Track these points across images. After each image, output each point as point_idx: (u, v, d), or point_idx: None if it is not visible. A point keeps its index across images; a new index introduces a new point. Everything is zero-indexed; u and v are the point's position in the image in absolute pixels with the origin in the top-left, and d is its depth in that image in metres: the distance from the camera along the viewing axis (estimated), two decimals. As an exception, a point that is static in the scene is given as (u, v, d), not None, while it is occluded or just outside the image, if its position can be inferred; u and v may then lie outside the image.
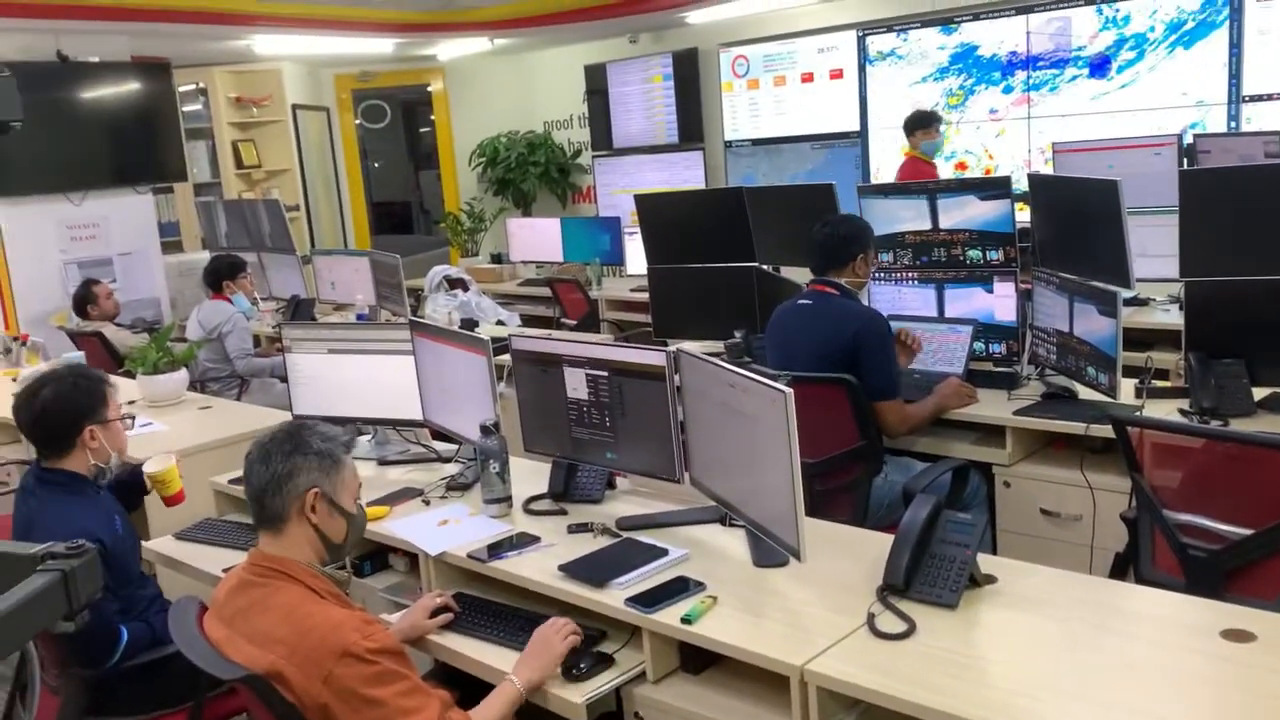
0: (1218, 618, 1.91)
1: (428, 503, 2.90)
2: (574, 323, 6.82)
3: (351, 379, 3.38)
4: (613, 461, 2.74)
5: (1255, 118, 6.13)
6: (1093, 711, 1.66)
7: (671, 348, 2.64)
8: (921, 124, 6.35)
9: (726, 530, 2.51)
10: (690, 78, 8.63)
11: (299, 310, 6.46)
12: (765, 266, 4.67)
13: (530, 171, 9.42)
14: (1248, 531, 2.33)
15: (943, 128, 6.49)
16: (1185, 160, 4.80)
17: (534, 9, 8.22)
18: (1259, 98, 6.13)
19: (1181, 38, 6.35)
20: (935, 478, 2.46)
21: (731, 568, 2.31)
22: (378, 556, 2.85)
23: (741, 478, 2.37)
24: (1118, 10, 6.56)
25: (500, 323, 6.15)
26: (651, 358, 2.58)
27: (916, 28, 7.43)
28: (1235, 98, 6.20)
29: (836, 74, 7.91)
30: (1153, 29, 6.45)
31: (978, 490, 3.25)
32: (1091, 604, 2.04)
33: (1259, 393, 3.16)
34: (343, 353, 3.40)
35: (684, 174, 8.72)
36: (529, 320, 6.94)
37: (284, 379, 3.94)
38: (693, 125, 8.68)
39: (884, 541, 2.18)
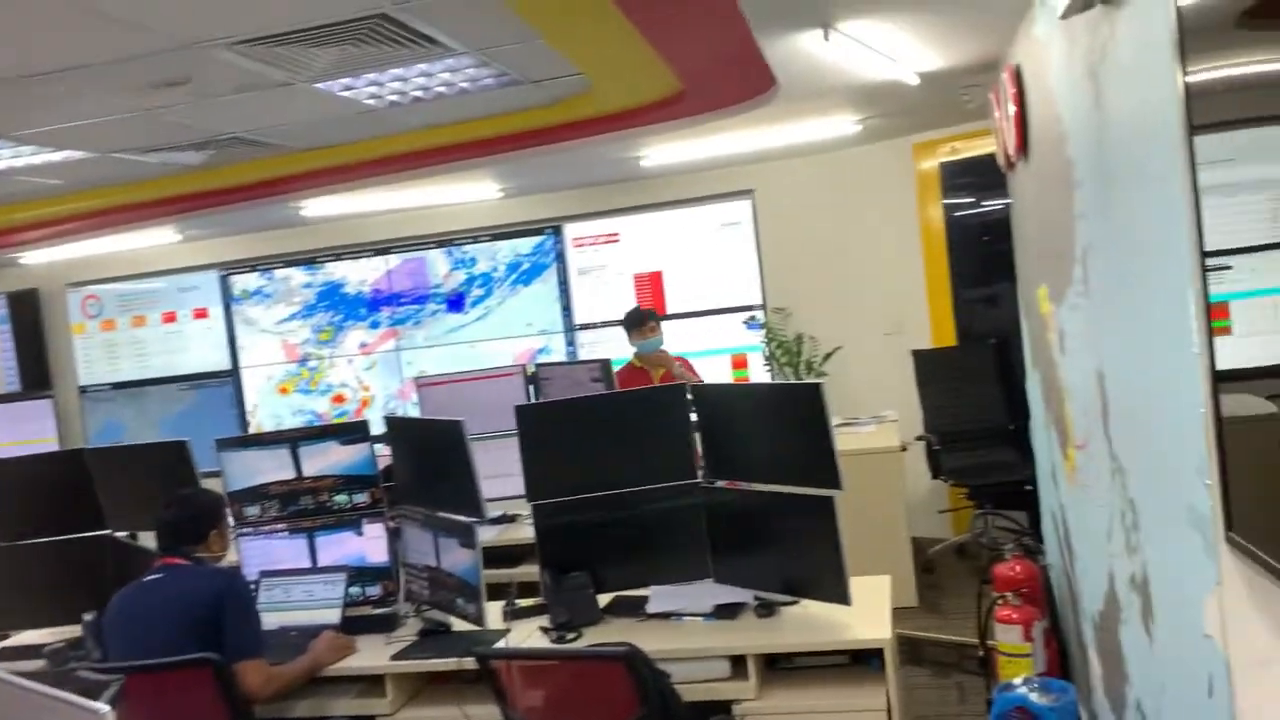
0: None
1: None
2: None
3: None
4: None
5: (586, 344, 7.09)
6: None
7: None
8: (633, 324, 5.69)
9: None
10: (32, 320, 7.80)
11: None
12: (120, 534, 4.21)
13: None
14: (602, 743, 2.51)
15: (656, 324, 5.72)
16: (531, 388, 5.34)
17: None
18: (587, 326, 7.11)
19: (521, 276, 7.20)
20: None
21: None
22: None
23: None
24: (465, 252, 7.26)
25: None
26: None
27: (280, 266, 7.53)
28: (569, 326, 7.13)
29: (201, 313, 7.69)
30: (496, 268, 7.23)
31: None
32: None
33: (605, 599, 3.49)
34: None
35: (30, 426, 7.73)
36: None
37: None
38: (39, 371, 7.80)
39: None
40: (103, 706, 1.82)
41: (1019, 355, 4.89)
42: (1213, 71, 1.79)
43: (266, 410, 7.53)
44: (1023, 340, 4.73)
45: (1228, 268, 1.77)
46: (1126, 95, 2.34)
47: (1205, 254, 1.88)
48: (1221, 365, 1.80)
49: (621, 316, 5.75)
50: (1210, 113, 1.83)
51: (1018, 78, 3.81)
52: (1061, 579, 4.03)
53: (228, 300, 7.60)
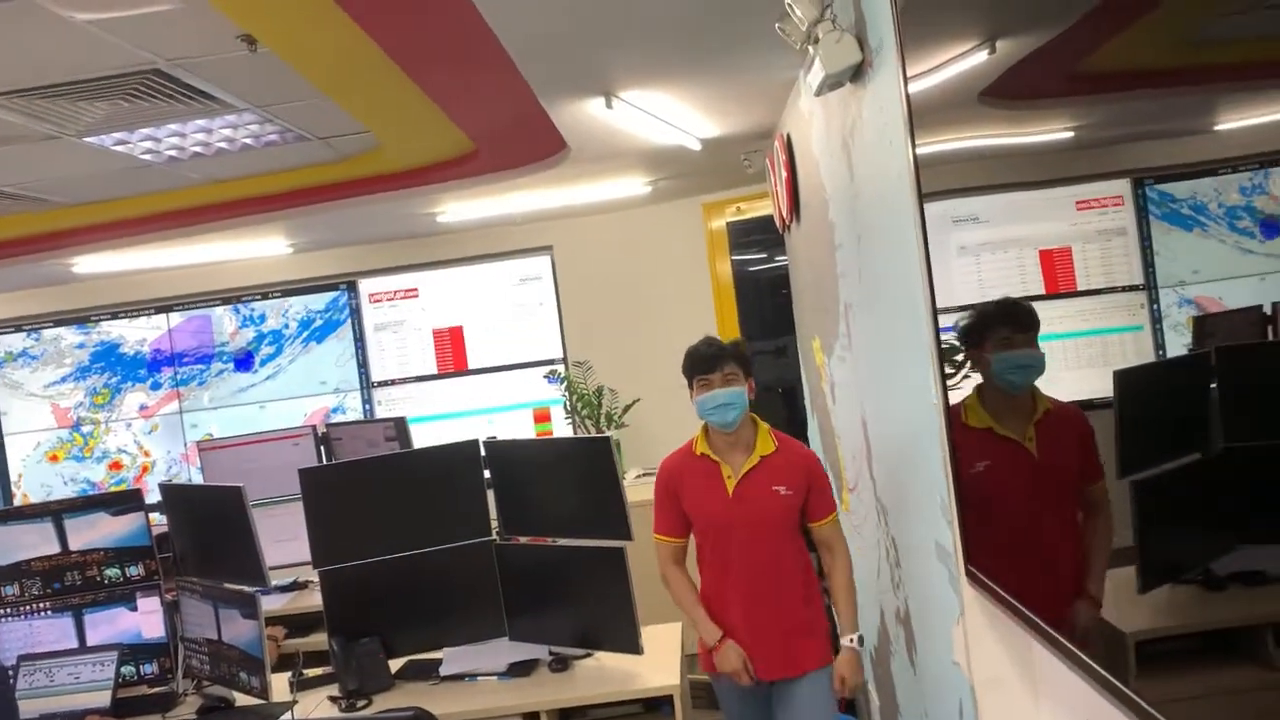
0: None
1: None
2: None
3: None
4: None
5: (384, 401, 6.97)
6: None
7: None
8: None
9: None
10: None
11: None
12: None
13: None
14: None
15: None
16: (321, 448, 5.19)
17: None
18: (385, 383, 6.99)
19: (314, 333, 7.02)
20: None
21: None
22: None
23: None
24: (253, 309, 7.02)
25: None
26: None
27: (49, 326, 7.06)
28: (365, 384, 6.98)
29: (-41, 377, 7.09)
30: (287, 325, 7.02)
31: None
32: None
33: (397, 664, 3.42)
34: None
35: None
36: None
37: None
38: None
39: None
40: None
41: (803, 403, 5.15)
42: (942, 144, 1.99)
43: (34, 480, 6.99)
44: (804, 388, 4.99)
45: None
46: (871, 165, 2.56)
47: (937, 310, 2.07)
48: None
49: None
50: (939, 181, 2.03)
51: (789, 146, 4.07)
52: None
53: (-11, 363, 7.06)
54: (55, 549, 3.52)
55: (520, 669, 3.28)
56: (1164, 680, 1.27)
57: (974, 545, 1.99)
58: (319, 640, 3.71)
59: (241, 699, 3.29)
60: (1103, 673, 1.40)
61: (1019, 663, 2.01)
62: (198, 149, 4.16)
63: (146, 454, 7.04)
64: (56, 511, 3.54)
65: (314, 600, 4.73)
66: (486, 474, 3.53)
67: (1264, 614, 1.18)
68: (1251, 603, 1.19)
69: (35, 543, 3.53)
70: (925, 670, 2.60)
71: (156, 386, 7.03)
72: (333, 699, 3.21)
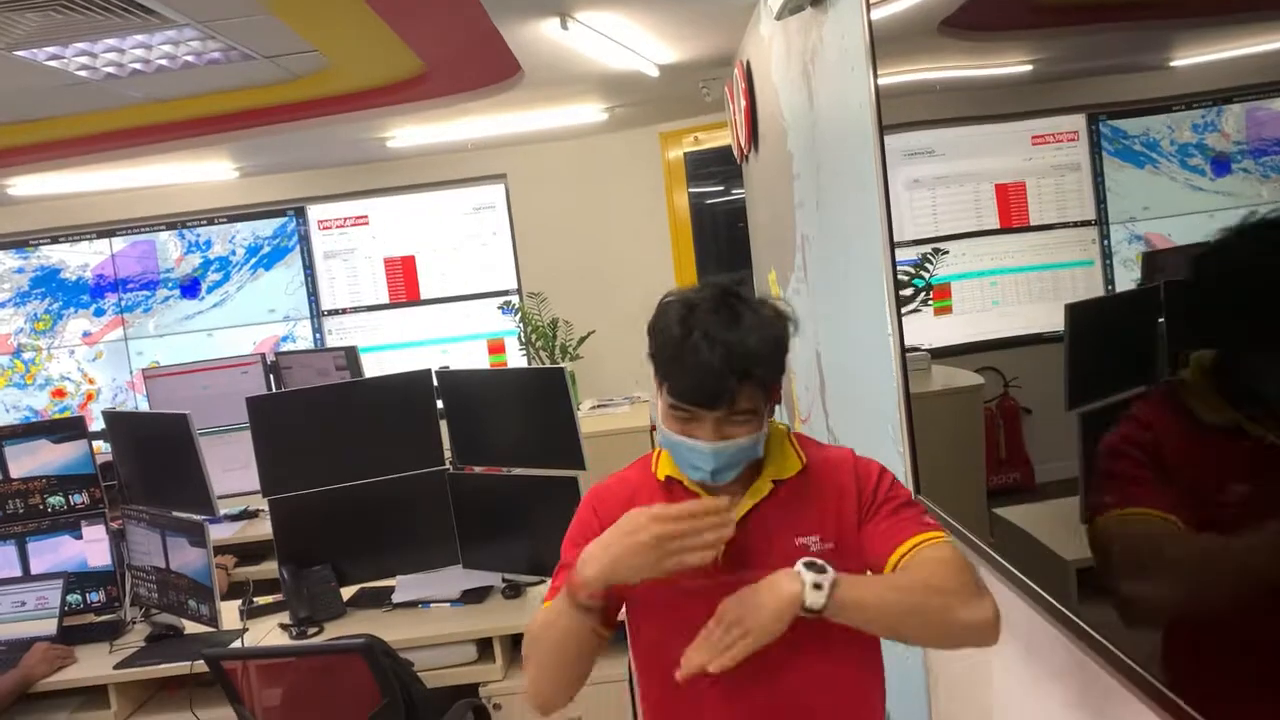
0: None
1: None
2: None
3: None
4: None
5: (335, 330, 6.87)
6: None
7: None
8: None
9: None
10: None
11: None
12: None
13: None
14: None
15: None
16: (270, 377, 5.12)
17: None
18: (335, 312, 6.89)
19: (261, 260, 6.88)
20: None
21: None
22: None
23: None
24: (198, 235, 6.86)
25: None
26: None
27: (-14, 250, 6.85)
28: (315, 312, 6.88)
29: (-109, 301, 6.88)
30: (234, 252, 6.87)
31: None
32: None
33: (349, 591, 3.42)
34: None
35: None
36: None
37: None
38: None
39: None
40: None
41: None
42: (901, 76, 1.97)
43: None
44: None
45: (945, 252, 1.93)
46: (831, 93, 2.52)
47: (894, 243, 2.06)
48: (942, 341, 1.97)
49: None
50: (896, 114, 2.01)
51: (748, 73, 4.01)
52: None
53: (-77, 287, 6.85)
54: (-4, 477, 3.45)
55: (473, 596, 3.29)
56: (1105, 605, 1.30)
57: (928, 472, 2.01)
58: (270, 569, 3.69)
59: (191, 627, 3.28)
60: (1045, 595, 1.43)
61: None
62: (137, 65, 4.00)
63: (91, 381, 6.91)
64: (-3, 439, 3.46)
65: (264, 530, 4.69)
66: (440, 404, 3.50)
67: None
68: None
69: (-26, 470, 3.45)
70: (873, 597, 2.64)
71: (100, 313, 6.87)
72: (283, 626, 3.20)
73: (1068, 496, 1.41)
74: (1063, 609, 1.37)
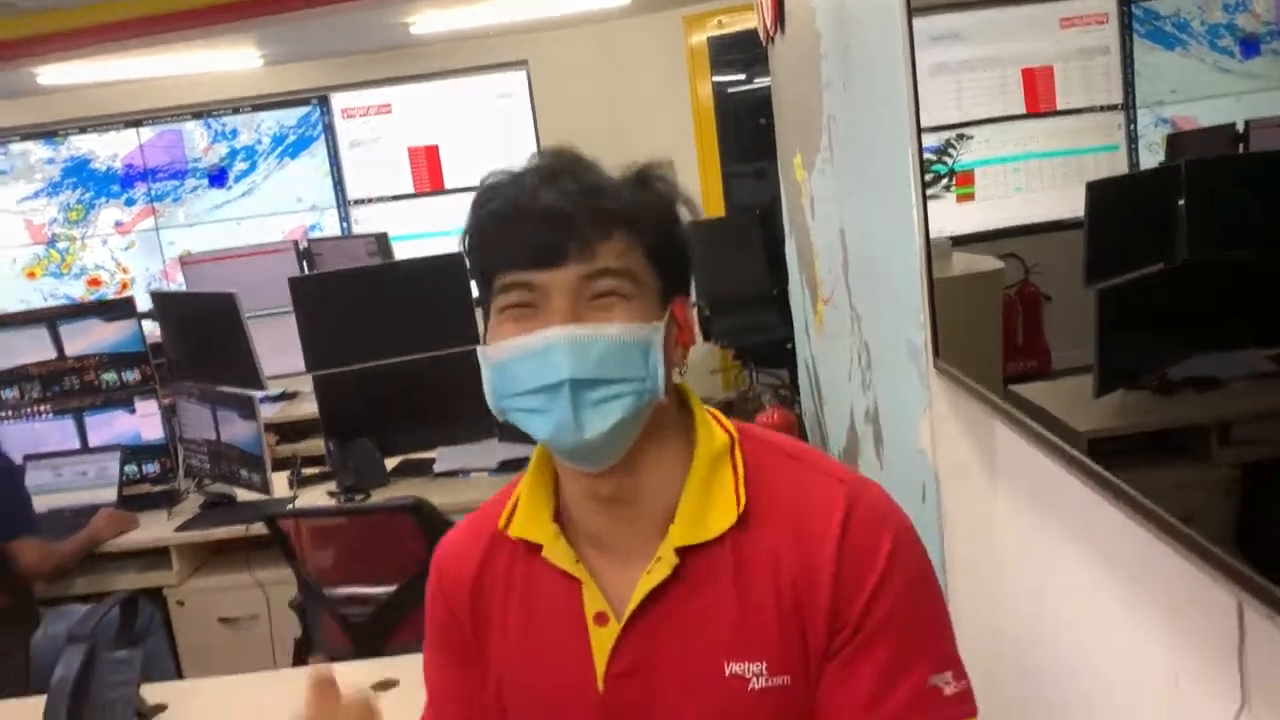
0: (370, 673, 2.14)
1: None
2: None
3: None
4: None
5: (361, 219, 6.96)
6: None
7: None
8: None
9: None
10: None
11: None
12: None
13: None
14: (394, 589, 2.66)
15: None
16: (303, 263, 5.24)
17: None
18: (361, 201, 6.97)
19: (287, 149, 6.93)
20: (100, 618, 2.33)
21: None
22: None
23: None
24: (224, 124, 6.90)
25: None
26: None
27: (17, 141, 6.92)
28: (341, 202, 6.96)
29: (-71, 191, 7.00)
30: (260, 141, 6.92)
31: (151, 618, 3.15)
32: (271, 694, 2.12)
33: (392, 462, 3.59)
34: None
35: None
36: None
37: None
38: None
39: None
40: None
41: (780, 225, 5.22)
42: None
43: (12, 295, 7.00)
44: (782, 209, 5.05)
45: (969, 138, 1.98)
46: (861, -29, 2.55)
47: (920, 123, 2.13)
48: (965, 229, 2.03)
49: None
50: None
51: (775, -49, 3.99)
52: (814, 423, 4.44)
53: (-43, 177, 6.95)
54: (52, 354, 3.61)
55: (510, 466, 3.46)
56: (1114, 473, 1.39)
57: (947, 342, 2.12)
58: (314, 445, 3.86)
59: (243, 495, 3.46)
60: (1059, 442, 1.54)
61: (980, 449, 2.17)
62: (166, -50, 4.02)
63: (125, 270, 7.05)
64: (51, 318, 3.61)
65: (304, 409, 4.88)
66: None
67: (1213, 416, 1.28)
68: (1202, 406, 1.30)
69: (31, 348, 3.61)
70: (891, 462, 2.78)
71: (131, 203, 6.97)
72: (331, 494, 3.38)
73: (1079, 375, 1.48)
74: (1074, 452, 1.47)
